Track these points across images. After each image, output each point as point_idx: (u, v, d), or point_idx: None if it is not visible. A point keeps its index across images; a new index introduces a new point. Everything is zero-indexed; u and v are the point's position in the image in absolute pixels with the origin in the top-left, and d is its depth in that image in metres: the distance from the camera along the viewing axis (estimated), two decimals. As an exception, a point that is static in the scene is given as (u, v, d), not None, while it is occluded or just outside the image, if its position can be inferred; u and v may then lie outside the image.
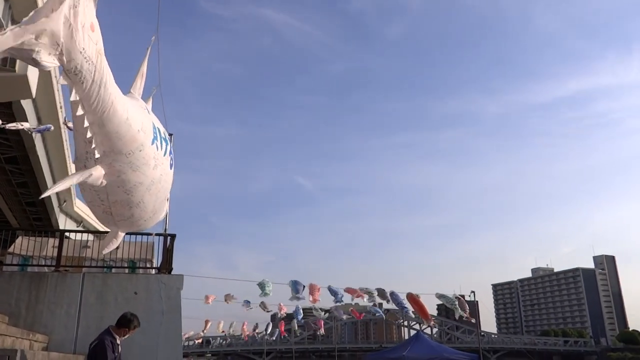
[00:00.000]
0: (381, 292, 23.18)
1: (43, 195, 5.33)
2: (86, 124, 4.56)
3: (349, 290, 23.14)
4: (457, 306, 21.71)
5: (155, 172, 6.04)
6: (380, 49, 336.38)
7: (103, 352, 5.99)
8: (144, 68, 6.66)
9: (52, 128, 14.70)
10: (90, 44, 3.97)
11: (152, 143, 5.70)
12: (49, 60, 3.71)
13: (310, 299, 23.04)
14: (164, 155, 6.27)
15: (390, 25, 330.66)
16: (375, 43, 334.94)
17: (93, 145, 4.88)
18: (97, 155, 5.03)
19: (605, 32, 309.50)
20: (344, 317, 36.07)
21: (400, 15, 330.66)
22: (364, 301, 24.93)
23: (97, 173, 5.19)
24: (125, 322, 6.43)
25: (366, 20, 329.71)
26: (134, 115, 5.19)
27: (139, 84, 6.50)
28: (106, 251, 8.72)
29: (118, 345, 6.32)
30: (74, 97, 4.22)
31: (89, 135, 4.72)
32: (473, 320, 24.11)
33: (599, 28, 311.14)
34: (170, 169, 6.95)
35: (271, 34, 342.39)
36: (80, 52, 3.87)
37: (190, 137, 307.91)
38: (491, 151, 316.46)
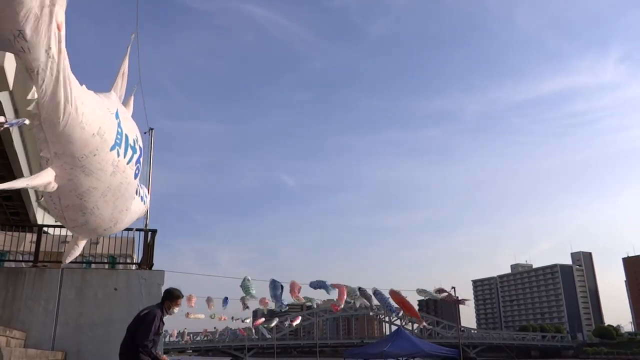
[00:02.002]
0: (363, 293, 22.89)
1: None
2: (37, 121, 4.49)
3: (335, 285, 22.60)
4: (436, 293, 22.08)
5: (113, 178, 5.88)
6: (365, 47, 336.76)
7: (151, 322, 5.76)
8: (125, 67, 6.53)
9: (28, 122, 14.43)
10: (56, 43, 3.92)
11: (112, 149, 5.55)
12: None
13: (292, 296, 22.25)
14: (128, 163, 6.10)
15: (374, 24, 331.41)
16: (359, 41, 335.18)
17: (46, 145, 4.80)
18: (47, 156, 4.93)
19: (585, 33, 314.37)
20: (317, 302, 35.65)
21: (384, 14, 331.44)
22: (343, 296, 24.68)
23: (45, 177, 5.03)
24: (167, 295, 6.19)
25: (351, 18, 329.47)
26: (91, 118, 5.03)
27: (120, 84, 6.38)
28: (68, 260, 8.59)
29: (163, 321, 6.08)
30: (31, 95, 4.17)
31: (40, 134, 4.63)
32: (466, 302, 24.02)
33: (579, 29, 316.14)
34: (135, 178, 6.73)
35: (254, 30, 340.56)
36: (46, 50, 3.82)
37: (173, 133, 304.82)
38: (473, 149, 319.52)
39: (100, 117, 5.32)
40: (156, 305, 6.10)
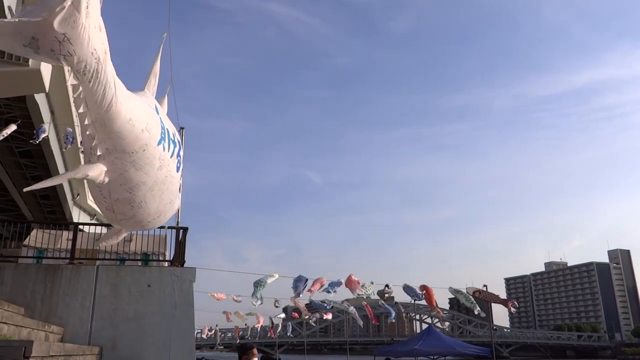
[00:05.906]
0: (381, 293, 21.76)
1: (38, 186, 5.16)
2: (88, 121, 4.59)
3: (349, 283, 21.53)
4: (475, 303, 20.48)
5: (160, 173, 6.03)
6: (387, 42, 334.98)
7: None
8: (157, 66, 6.62)
9: (14, 126, 14.60)
10: (99, 44, 4.00)
11: (158, 144, 5.69)
12: (49, 55, 3.72)
13: (310, 290, 21.45)
14: (171, 157, 6.25)
15: (396, 19, 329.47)
16: (381, 37, 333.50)
17: (94, 142, 4.90)
18: (99, 153, 5.05)
19: (614, 24, 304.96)
20: (351, 310, 34.37)
21: (406, 9, 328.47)
22: (374, 295, 23.96)
23: (95, 171, 5.16)
24: (241, 351, 6.09)
25: (372, 13, 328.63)
26: (139, 115, 5.18)
27: (153, 83, 6.49)
28: (103, 245, 8.77)
29: None
30: (78, 95, 4.27)
31: (89, 132, 4.75)
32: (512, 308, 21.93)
33: (608, 19, 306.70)
34: (178, 171, 6.88)
35: (276, 28, 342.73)
36: (92, 52, 3.92)
37: (199, 131, 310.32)
38: (499, 144, 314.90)
39: (145, 113, 5.49)
40: None
